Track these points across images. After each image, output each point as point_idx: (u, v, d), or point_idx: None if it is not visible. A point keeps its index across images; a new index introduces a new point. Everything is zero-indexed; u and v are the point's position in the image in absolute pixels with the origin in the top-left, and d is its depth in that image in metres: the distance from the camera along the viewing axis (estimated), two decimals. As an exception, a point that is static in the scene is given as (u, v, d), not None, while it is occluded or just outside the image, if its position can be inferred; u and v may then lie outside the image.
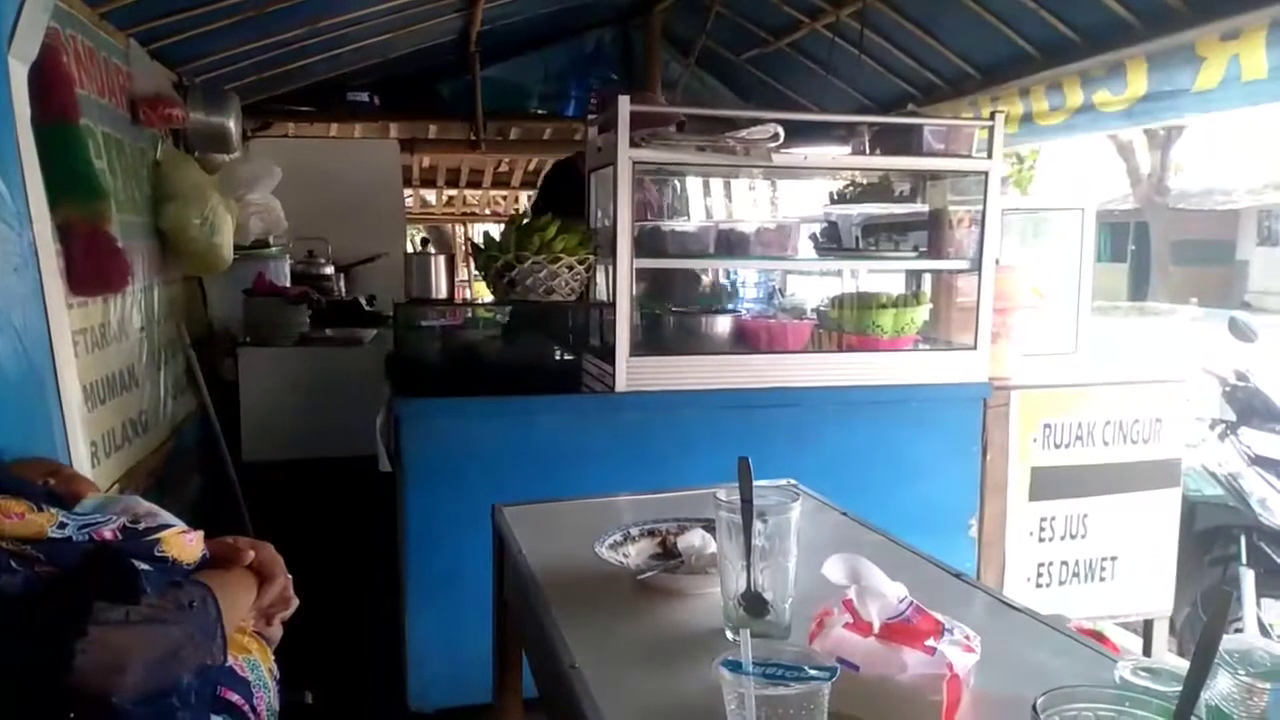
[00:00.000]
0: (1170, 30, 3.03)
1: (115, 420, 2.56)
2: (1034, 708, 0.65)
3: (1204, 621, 0.68)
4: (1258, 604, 3.29)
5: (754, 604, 1.14)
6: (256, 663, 1.07)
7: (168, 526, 1.04)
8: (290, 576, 1.19)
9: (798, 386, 2.83)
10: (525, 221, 2.80)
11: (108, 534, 0.98)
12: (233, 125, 3.62)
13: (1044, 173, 19.16)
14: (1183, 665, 0.74)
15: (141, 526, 1.02)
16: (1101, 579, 3.17)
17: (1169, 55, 3.03)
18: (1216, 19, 2.85)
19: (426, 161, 6.80)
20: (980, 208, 2.88)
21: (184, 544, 1.04)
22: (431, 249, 7.89)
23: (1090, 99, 3.37)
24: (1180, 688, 0.70)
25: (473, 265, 3.69)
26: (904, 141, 2.99)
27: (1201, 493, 3.52)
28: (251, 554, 1.14)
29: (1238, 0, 2.78)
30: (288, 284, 4.19)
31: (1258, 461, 3.45)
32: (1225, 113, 3.01)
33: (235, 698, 1.00)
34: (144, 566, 0.95)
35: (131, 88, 2.93)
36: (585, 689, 1.02)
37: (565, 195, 3.29)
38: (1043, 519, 3.08)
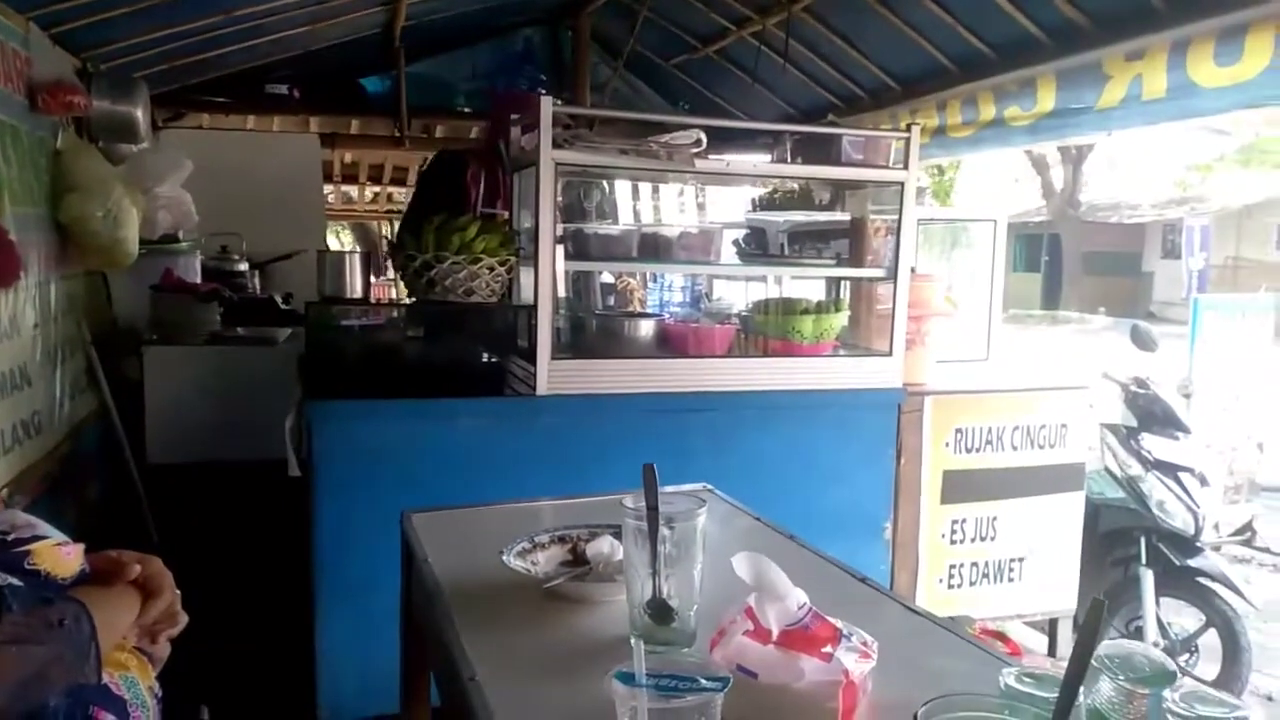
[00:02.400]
0: (1078, 49, 3.14)
1: (4, 421, 2.44)
2: (914, 717, 0.65)
3: (1079, 629, 0.70)
4: (1157, 603, 3.44)
5: (660, 611, 1.13)
6: (135, 680, 1.02)
7: (42, 538, 0.99)
8: (179, 592, 1.13)
9: (719, 391, 2.85)
10: (443, 220, 2.75)
11: (-29, 546, 0.92)
12: (140, 114, 3.48)
13: (965, 184, 19.75)
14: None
15: (11, 538, 0.96)
16: (1010, 579, 3.26)
17: (1077, 73, 3.14)
18: (1122, 39, 2.96)
19: (349, 157, 6.65)
20: (897, 217, 2.94)
21: (59, 557, 0.98)
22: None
23: (1001, 114, 3.47)
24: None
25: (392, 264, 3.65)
26: (824, 151, 3.04)
27: (1104, 495, 3.66)
28: (137, 568, 1.08)
29: (1140, 21, 2.90)
30: (198, 280, 4.04)
31: (1157, 466, 3.60)
32: (1124, 131, 3.14)
33: (110, 717, 0.95)
34: (12, 580, 0.90)
35: (30, 73, 2.79)
36: (483, 701, 1.00)
37: (445, 190, 3.27)
38: (954, 521, 3.16)
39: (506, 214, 3.19)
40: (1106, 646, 0.84)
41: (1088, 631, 0.69)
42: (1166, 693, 0.79)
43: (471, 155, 3.51)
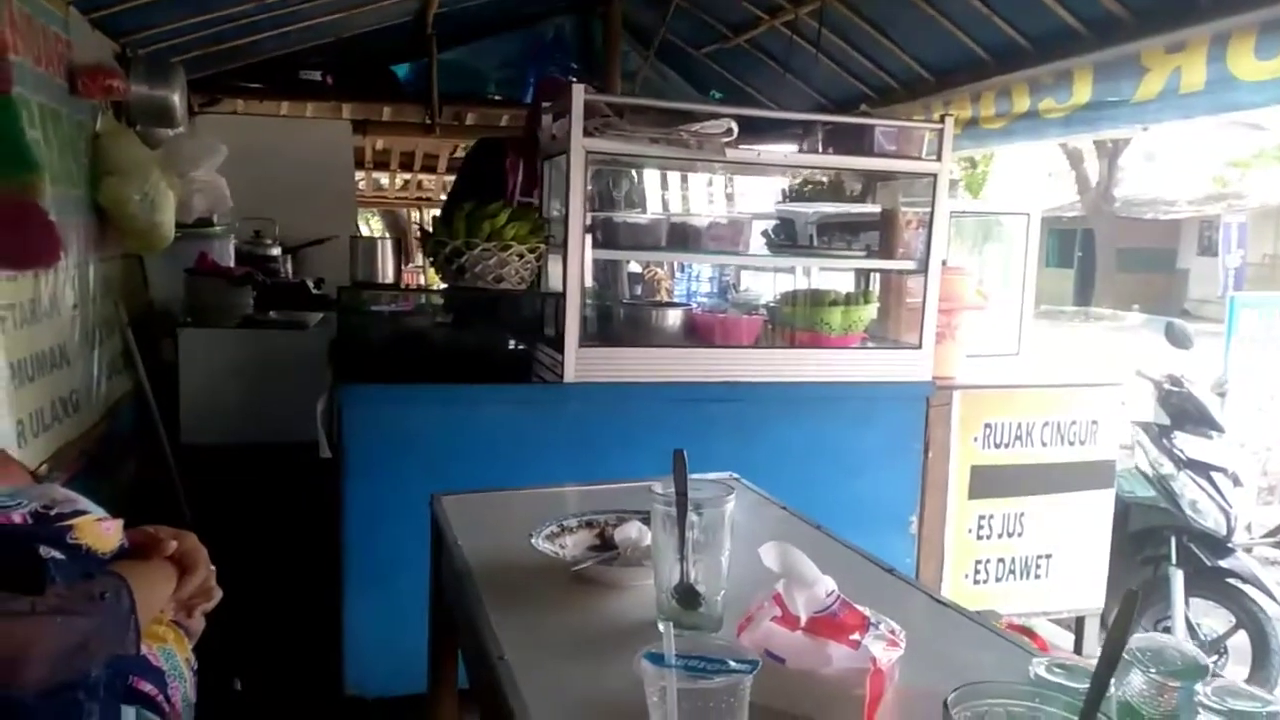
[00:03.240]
0: (1117, 40, 3.10)
1: (44, 399, 2.49)
2: (945, 704, 0.66)
3: (1111, 621, 0.70)
4: (1186, 604, 3.40)
5: (687, 596, 1.14)
6: (172, 652, 1.04)
7: (83, 513, 1.01)
8: (214, 568, 1.15)
9: (746, 381, 2.84)
10: (474, 207, 2.76)
11: (16, 519, 0.94)
12: (177, 99, 3.53)
13: (998, 178, 19.51)
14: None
15: (54, 512, 0.98)
16: (1036, 576, 3.24)
17: (1115, 65, 3.09)
18: (1161, 32, 2.92)
19: (380, 144, 6.70)
20: (929, 210, 2.92)
21: (100, 532, 1.00)
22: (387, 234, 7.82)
23: (1036, 106, 3.43)
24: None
25: (423, 251, 3.70)
26: (856, 141, 3.02)
27: (1135, 494, 3.62)
28: (173, 544, 1.10)
29: (1180, 13, 2.85)
30: (232, 264, 4.10)
31: (1190, 465, 3.55)
32: (1159, 125, 3.09)
33: (148, 688, 0.96)
34: (55, 554, 0.92)
35: (71, 57, 2.84)
36: (512, 681, 1.01)
37: (489, 175, 3.29)
38: (981, 517, 3.13)
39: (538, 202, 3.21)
40: (1138, 639, 0.84)
41: (1121, 622, 0.69)
42: (1198, 686, 0.79)
43: (510, 143, 3.52)
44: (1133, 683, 0.82)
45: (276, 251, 4.65)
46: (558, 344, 2.71)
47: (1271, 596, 3.31)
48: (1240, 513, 3.49)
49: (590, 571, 1.31)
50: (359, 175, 7.06)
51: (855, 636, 0.95)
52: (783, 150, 3.22)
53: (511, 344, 2.89)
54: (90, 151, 3.03)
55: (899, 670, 1.00)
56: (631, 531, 1.37)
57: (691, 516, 1.13)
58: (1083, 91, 3.24)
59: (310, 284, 4.35)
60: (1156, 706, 0.81)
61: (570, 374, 2.68)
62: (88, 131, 3.03)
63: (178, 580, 1.09)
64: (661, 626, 1.14)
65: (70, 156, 2.82)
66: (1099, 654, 0.71)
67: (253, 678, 2.59)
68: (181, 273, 3.72)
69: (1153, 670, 0.81)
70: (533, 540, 1.39)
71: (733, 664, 0.81)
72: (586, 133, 2.59)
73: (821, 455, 2.86)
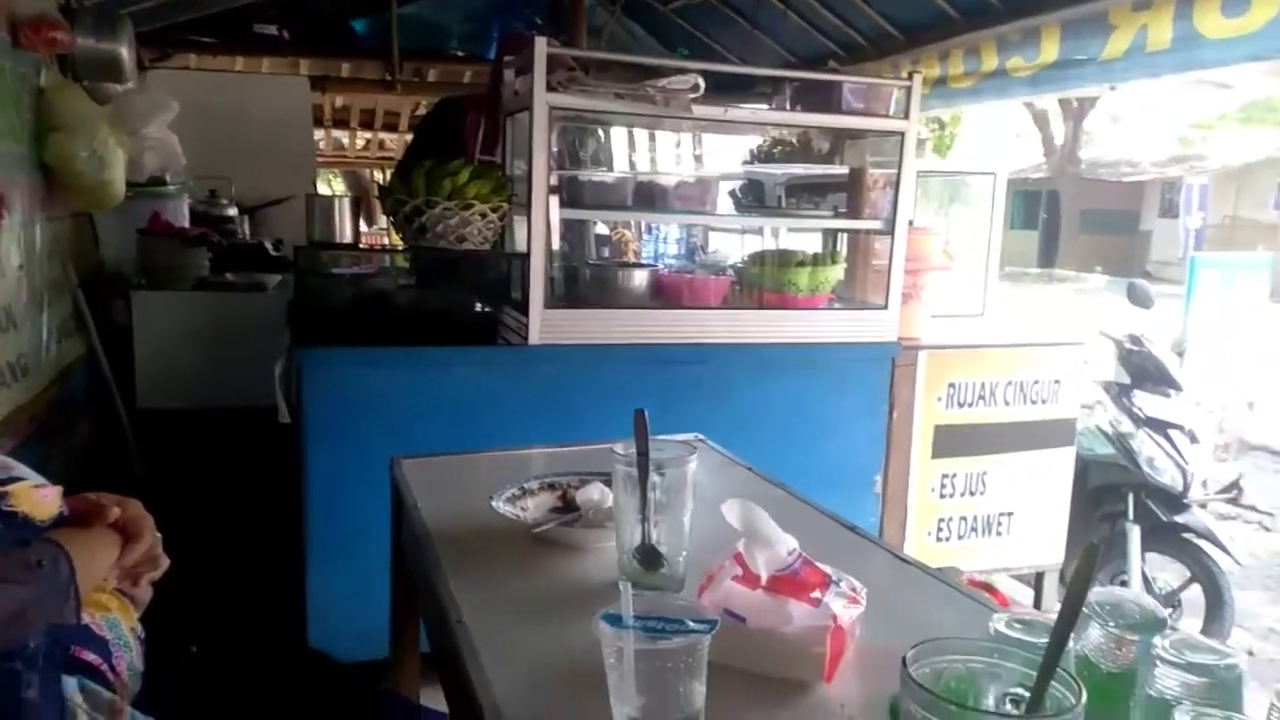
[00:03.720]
0: (1084, -2, 3.08)
1: (-10, 363, 2.41)
2: (903, 660, 0.65)
3: (1071, 575, 0.69)
4: (1142, 558, 3.47)
5: (649, 557, 1.13)
6: (117, 621, 1.01)
7: (19, 480, 0.97)
8: (160, 535, 1.12)
9: (713, 343, 2.83)
10: (433, 164, 2.70)
11: (-53, 486, 0.90)
12: (126, 53, 3.39)
13: (965, 139, 19.55)
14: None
15: (-12, 480, 0.94)
16: (998, 534, 3.29)
17: (1082, 23, 3.08)
18: (1128, -12, 2.90)
19: (339, 101, 6.53)
20: (896, 170, 2.90)
21: (37, 499, 0.97)
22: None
23: (1004, 64, 3.41)
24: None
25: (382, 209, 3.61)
26: (824, 99, 2.98)
27: (1094, 452, 3.67)
28: (116, 511, 1.06)
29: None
30: (187, 224, 3.99)
31: (1148, 423, 3.61)
32: (1126, 84, 3.09)
33: (92, 657, 0.94)
34: (-12, 522, 0.89)
35: (12, 8, 2.71)
36: (470, 645, 0.99)
37: (447, 132, 3.22)
38: (944, 476, 3.17)
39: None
40: (1097, 593, 0.84)
41: (1081, 576, 0.68)
42: (1156, 639, 0.79)
43: (471, 102, 3.43)
44: (1091, 636, 0.82)
45: (233, 212, 4.54)
46: (523, 306, 2.67)
47: (1225, 550, 3.39)
48: (1196, 469, 3.56)
49: (551, 533, 1.29)
50: (318, 134, 6.90)
51: (816, 594, 0.94)
52: (750, 108, 3.18)
53: (476, 306, 2.84)
54: (34, 107, 2.91)
55: (860, 627, 1.00)
56: (593, 493, 1.36)
57: (653, 477, 1.12)
58: (1050, 49, 3.22)
59: (269, 245, 4.25)
60: (1114, 660, 0.81)
61: (535, 336, 2.65)
62: (31, 85, 2.91)
63: (121, 548, 1.06)
64: (621, 587, 1.13)
65: (13, 111, 2.70)
66: (1058, 608, 0.71)
67: (213, 648, 2.55)
68: (134, 233, 3.61)
69: (1111, 624, 0.81)
70: (493, 503, 1.37)
71: (691, 624, 0.80)
72: (550, 87, 2.53)
73: (788, 416, 2.86)
